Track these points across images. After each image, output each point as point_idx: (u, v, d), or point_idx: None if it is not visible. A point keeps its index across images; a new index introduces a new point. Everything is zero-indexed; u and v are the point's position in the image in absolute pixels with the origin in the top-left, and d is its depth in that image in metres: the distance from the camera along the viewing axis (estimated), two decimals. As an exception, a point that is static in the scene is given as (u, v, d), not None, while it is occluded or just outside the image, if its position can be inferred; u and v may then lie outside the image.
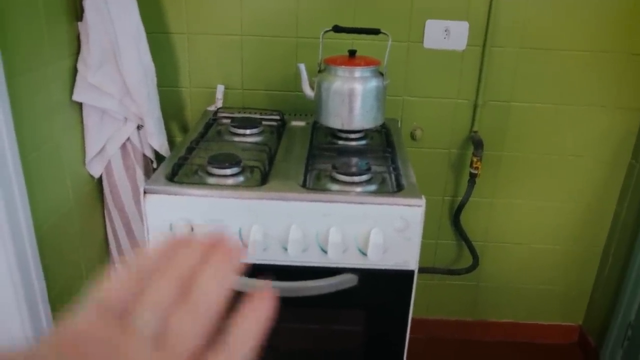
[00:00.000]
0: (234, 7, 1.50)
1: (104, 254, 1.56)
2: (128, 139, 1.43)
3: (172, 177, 1.10)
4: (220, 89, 1.56)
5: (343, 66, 1.27)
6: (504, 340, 1.90)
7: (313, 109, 1.36)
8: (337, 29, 1.32)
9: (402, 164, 1.20)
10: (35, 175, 1.15)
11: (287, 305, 1.09)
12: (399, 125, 1.55)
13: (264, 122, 1.43)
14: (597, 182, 1.68)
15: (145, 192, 1.04)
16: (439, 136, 1.63)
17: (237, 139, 1.35)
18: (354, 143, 1.36)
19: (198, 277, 0.26)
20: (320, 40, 1.34)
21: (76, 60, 1.34)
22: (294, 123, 1.48)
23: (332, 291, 1.07)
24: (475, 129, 1.61)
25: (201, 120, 1.47)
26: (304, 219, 1.03)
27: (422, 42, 1.53)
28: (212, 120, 1.46)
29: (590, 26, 1.49)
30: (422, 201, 1.03)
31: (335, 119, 1.30)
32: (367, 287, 1.08)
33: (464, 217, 1.71)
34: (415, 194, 1.05)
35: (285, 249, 1.04)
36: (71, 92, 1.33)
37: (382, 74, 1.31)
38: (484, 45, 1.52)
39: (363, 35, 1.33)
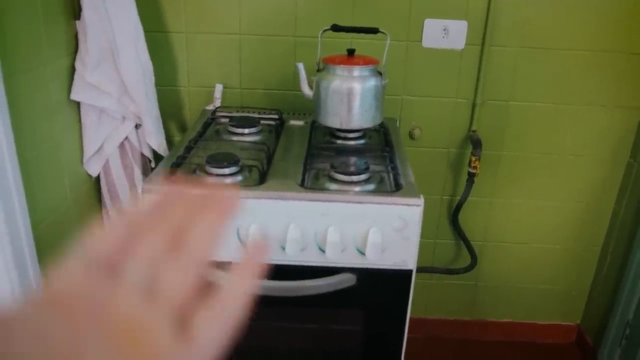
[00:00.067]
0: (233, 6, 1.49)
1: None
2: (126, 138, 1.43)
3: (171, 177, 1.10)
4: (218, 88, 1.55)
5: (342, 65, 1.26)
6: (502, 339, 1.90)
7: (312, 108, 1.36)
8: (335, 28, 1.32)
9: (400, 163, 1.20)
10: (32, 174, 1.15)
11: (285, 305, 1.09)
12: (398, 125, 1.55)
13: (262, 122, 1.42)
14: (595, 181, 1.68)
15: (143, 192, 1.03)
16: (438, 135, 1.63)
17: (235, 138, 1.34)
18: (352, 142, 1.36)
19: (190, 231, 0.26)
20: (319, 39, 1.34)
21: (74, 59, 1.33)
22: (293, 122, 1.48)
23: (330, 291, 1.06)
24: (474, 128, 1.61)
25: (199, 120, 1.46)
26: (302, 218, 1.03)
27: (421, 41, 1.52)
28: (211, 120, 1.45)
29: (590, 26, 1.49)
30: (421, 200, 1.03)
31: (333, 118, 1.29)
32: (365, 287, 1.08)
33: (462, 217, 1.71)
34: (413, 194, 1.05)
35: (284, 249, 1.03)
36: (69, 91, 1.32)
37: (380, 73, 1.31)
38: (483, 45, 1.51)
39: (362, 35, 1.33)
